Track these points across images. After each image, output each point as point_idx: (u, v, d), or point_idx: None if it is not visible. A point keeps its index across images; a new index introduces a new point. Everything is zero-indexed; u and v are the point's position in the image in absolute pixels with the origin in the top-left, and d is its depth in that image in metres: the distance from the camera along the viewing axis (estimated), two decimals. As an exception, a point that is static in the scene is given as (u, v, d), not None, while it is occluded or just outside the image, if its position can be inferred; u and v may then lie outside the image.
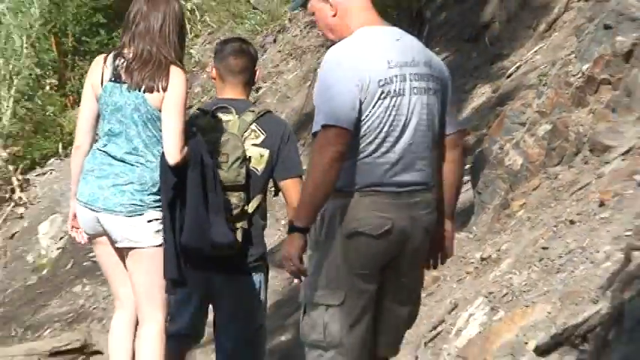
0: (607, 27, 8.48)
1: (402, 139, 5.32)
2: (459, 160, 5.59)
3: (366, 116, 5.23)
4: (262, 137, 6.19)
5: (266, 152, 6.21)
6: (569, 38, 10.32)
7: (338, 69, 5.24)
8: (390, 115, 5.29)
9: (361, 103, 5.20)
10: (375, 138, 5.28)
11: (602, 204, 7.60)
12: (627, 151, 7.91)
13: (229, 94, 6.32)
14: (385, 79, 5.23)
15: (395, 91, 5.27)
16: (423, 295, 7.40)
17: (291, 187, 6.24)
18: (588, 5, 10.04)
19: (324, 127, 5.13)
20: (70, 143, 12.71)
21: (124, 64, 5.90)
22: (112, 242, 6.01)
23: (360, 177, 5.31)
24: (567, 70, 8.99)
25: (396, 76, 5.28)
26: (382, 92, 5.21)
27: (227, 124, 6.22)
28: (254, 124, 6.23)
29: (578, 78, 8.68)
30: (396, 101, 5.27)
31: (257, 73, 6.49)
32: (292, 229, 5.23)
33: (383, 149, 5.33)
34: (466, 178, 9.56)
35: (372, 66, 5.21)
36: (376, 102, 5.23)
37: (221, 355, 6.64)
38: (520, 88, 10.52)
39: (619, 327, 6.05)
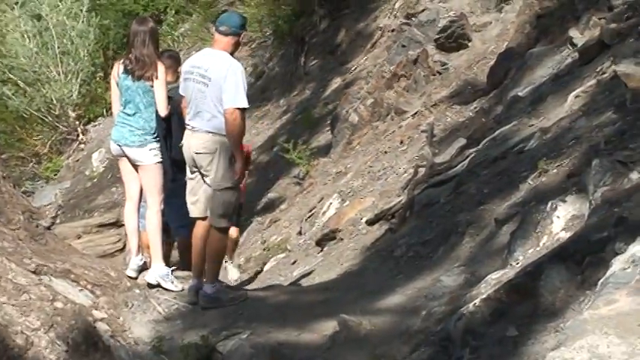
0: (403, 46, 10.97)
1: (190, 103, 6.59)
2: (226, 123, 6.45)
3: (184, 90, 6.66)
4: None
5: None
6: (383, 52, 11.92)
7: None
8: (186, 90, 6.63)
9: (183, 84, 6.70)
10: (188, 101, 6.63)
11: (402, 142, 9.75)
12: (415, 114, 10.08)
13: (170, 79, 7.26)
14: (186, 72, 6.67)
15: (187, 79, 6.63)
16: (304, 192, 9.97)
17: None
18: (393, 34, 11.72)
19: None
20: (110, 109, 14.89)
21: (130, 64, 6.70)
22: (130, 161, 6.80)
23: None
24: (382, 69, 11.01)
25: (191, 72, 6.61)
26: (184, 78, 6.68)
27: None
28: None
29: (388, 74, 10.71)
30: (187, 84, 6.62)
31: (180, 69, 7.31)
32: None
33: (188, 107, 6.62)
34: (327, 128, 11.32)
35: (186, 66, 6.73)
36: (183, 83, 6.70)
37: None
38: (357, 79, 12.11)
39: (411, 210, 7.74)
